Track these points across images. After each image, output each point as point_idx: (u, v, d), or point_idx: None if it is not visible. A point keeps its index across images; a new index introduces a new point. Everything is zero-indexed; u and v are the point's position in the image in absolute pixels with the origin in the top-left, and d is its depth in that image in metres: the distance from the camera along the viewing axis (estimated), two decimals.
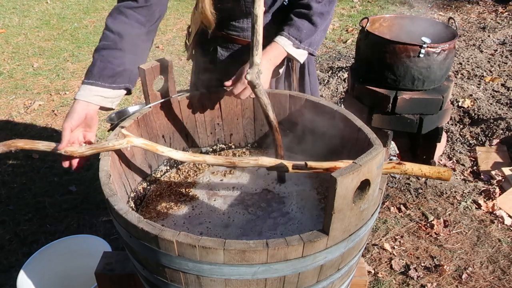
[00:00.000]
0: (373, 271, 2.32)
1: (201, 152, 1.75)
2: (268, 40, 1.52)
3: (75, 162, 1.34)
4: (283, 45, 1.55)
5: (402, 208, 2.72)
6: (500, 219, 2.63)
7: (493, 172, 2.94)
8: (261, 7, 1.26)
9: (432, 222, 2.61)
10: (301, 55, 1.61)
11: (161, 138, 1.61)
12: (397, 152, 3.06)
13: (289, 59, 1.75)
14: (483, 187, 2.87)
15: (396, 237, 2.52)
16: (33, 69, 4.62)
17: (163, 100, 1.56)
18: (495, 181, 2.88)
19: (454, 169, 3.05)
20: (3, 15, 6.12)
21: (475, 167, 3.05)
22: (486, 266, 2.35)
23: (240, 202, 1.49)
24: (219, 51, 1.75)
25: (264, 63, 1.47)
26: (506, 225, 2.60)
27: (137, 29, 1.46)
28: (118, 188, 1.30)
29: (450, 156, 3.17)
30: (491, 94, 3.86)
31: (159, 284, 1.17)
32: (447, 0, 6.59)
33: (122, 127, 1.42)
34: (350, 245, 1.09)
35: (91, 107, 1.36)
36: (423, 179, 2.96)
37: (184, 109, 1.63)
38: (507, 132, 3.26)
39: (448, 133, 3.40)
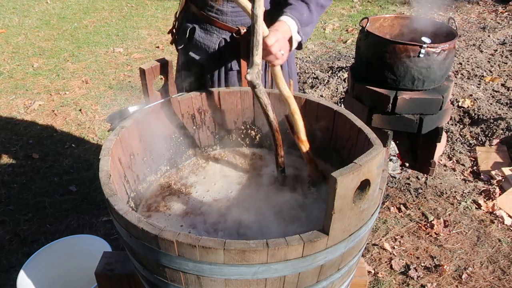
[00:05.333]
0: (373, 271, 2.32)
1: (201, 153, 1.75)
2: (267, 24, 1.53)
3: None
4: (290, 25, 1.56)
5: (402, 208, 2.72)
6: (500, 219, 2.63)
7: (493, 172, 2.94)
8: (261, 7, 1.26)
9: (432, 222, 2.61)
10: (296, 42, 1.62)
11: (161, 138, 1.61)
12: (397, 152, 3.06)
13: None
14: (483, 187, 2.87)
15: (396, 237, 2.52)
16: (33, 69, 4.62)
17: (163, 100, 1.56)
18: (495, 181, 2.88)
19: (454, 169, 3.06)
20: (3, 15, 6.12)
21: (475, 167, 3.05)
22: (486, 266, 2.35)
23: (241, 201, 1.49)
24: (197, 31, 1.76)
25: (279, 35, 1.47)
26: (506, 225, 2.60)
27: None
28: (118, 188, 1.30)
29: (450, 156, 3.17)
30: (491, 94, 3.86)
31: (159, 284, 1.17)
32: (447, 0, 6.59)
33: (122, 127, 1.42)
34: (350, 245, 1.09)
35: None
36: (423, 179, 2.96)
37: (184, 109, 1.63)
38: (507, 132, 3.26)
39: (448, 133, 3.40)
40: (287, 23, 1.56)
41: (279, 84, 1.45)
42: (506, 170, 2.91)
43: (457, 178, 2.97)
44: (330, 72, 4.36)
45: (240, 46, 1.73)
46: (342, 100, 3.77)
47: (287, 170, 1.59)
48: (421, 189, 2.88)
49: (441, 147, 3.05)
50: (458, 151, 3.21)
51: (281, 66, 1.86)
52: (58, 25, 5.83)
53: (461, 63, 4.44)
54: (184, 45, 1.81)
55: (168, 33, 1.92)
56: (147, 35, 5.50)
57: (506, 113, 3.49)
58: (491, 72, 4.26)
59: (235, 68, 1.78)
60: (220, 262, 0.99)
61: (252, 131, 1.75)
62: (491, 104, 3.67)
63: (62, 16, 6.17)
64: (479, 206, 2.72)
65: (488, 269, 2.33)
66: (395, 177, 2.98)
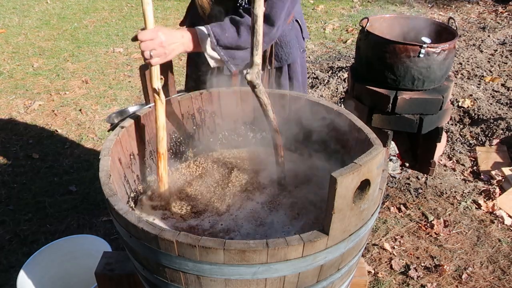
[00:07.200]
0: (373, 271, 2.32)
1: (201, 153, 1.75)
2: None
3: None
4: (200, 34, 1.49)
5: (402, 208, 2.72)
6: (500, 219, 2.63)
7: (493, 172, 2.94)
8: (261, 7, 1.26)
9: (432, 222, 2.61)
10: (212, 59, 1.56)
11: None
12: (397, 152, 3.06)
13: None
14: (483, 187, 2.87)
15: (396, 237, 2.52)
16: (33, 69, 4.62)
17: None
18: (495, 181, 2.88)
19: (454, 169, 3.05)
20: (3, 15, 6.12)
21: (475, 167, 3.05)
22: (486, 266, 2.35)
23: (240, 200, 1.49)
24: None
25: (159, 36, 1.37)
26: (506, 225, 2.60)
27: None
28: (118, 188, 1.30)
29: (450, 156, 3.17)
30: (491, 94, 3.86)
31: (159, 284, 1.17)
32: (447, 0, 6.59)
33: (122, 127, 1.42)
34: (350, 245, 1.09)
35: None
36: (423, 179, 2.96)
37: (184, 109, 1.63)
38: (507, 132, 3.26)
39: (448, 133, 3.40)
40: (197, 33, 1.49)
41: (151, 82, 1.42)
42: (506, 170, 2.91)
43: (457, 178, 2.97)
44: (330, 72, 4.36)
45: None
46: (342, 100, 3.77)
47: (287, 169, 1.59)
48: (421, 189, 2.88)
49: (441, 147, 3.05)
50: (458, 151, 3.21)
51: (280, 71, 1.85)
52: (58, 25, 5.83)
53: (461, 63, 4.44)
54: None
55: (180, 25, 1.91)
56: None
57: (506, 113, 3.49)
58: (491, 72, 4.26)
59: (226, 73, 1.77)
60: (220, 262, 0.99)
61: (252, 131, 1.75)
62: (491, 104, 3.67)
63: (62, 16, 6.17)
64: (479, 206, 2.72)
65: (488, 269, 2.33)
66: (395, 177, 2.98)
